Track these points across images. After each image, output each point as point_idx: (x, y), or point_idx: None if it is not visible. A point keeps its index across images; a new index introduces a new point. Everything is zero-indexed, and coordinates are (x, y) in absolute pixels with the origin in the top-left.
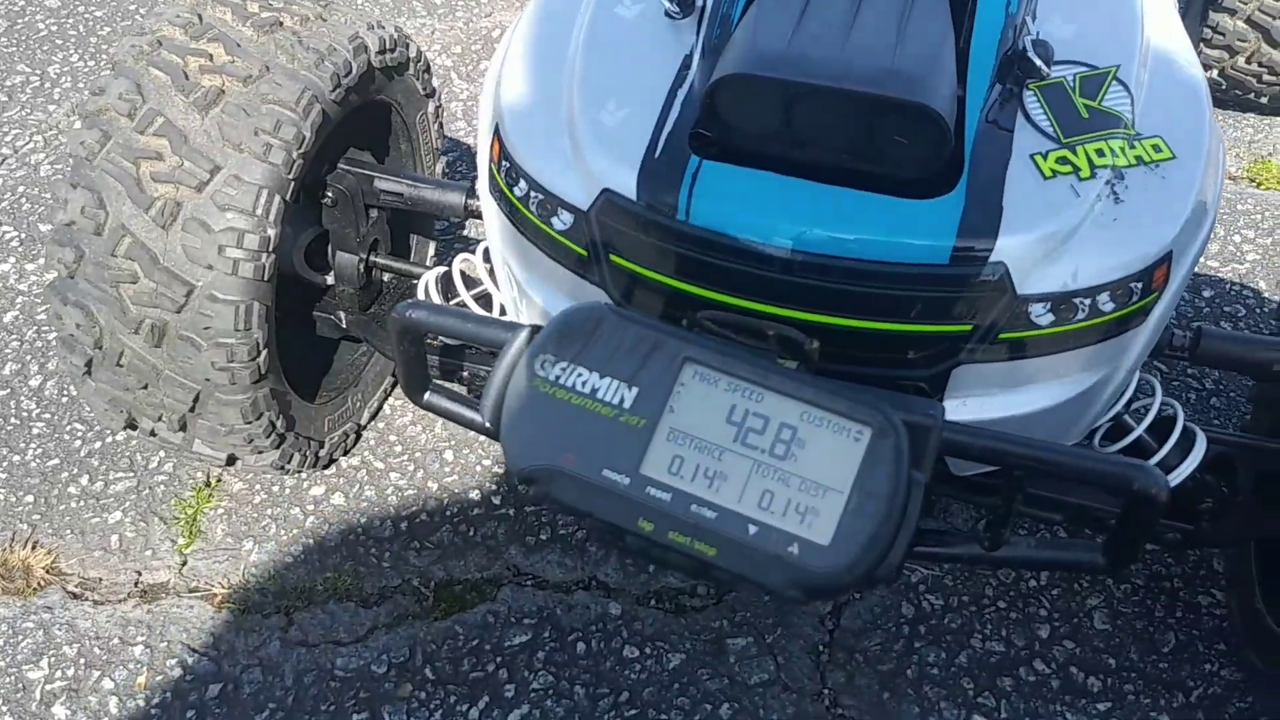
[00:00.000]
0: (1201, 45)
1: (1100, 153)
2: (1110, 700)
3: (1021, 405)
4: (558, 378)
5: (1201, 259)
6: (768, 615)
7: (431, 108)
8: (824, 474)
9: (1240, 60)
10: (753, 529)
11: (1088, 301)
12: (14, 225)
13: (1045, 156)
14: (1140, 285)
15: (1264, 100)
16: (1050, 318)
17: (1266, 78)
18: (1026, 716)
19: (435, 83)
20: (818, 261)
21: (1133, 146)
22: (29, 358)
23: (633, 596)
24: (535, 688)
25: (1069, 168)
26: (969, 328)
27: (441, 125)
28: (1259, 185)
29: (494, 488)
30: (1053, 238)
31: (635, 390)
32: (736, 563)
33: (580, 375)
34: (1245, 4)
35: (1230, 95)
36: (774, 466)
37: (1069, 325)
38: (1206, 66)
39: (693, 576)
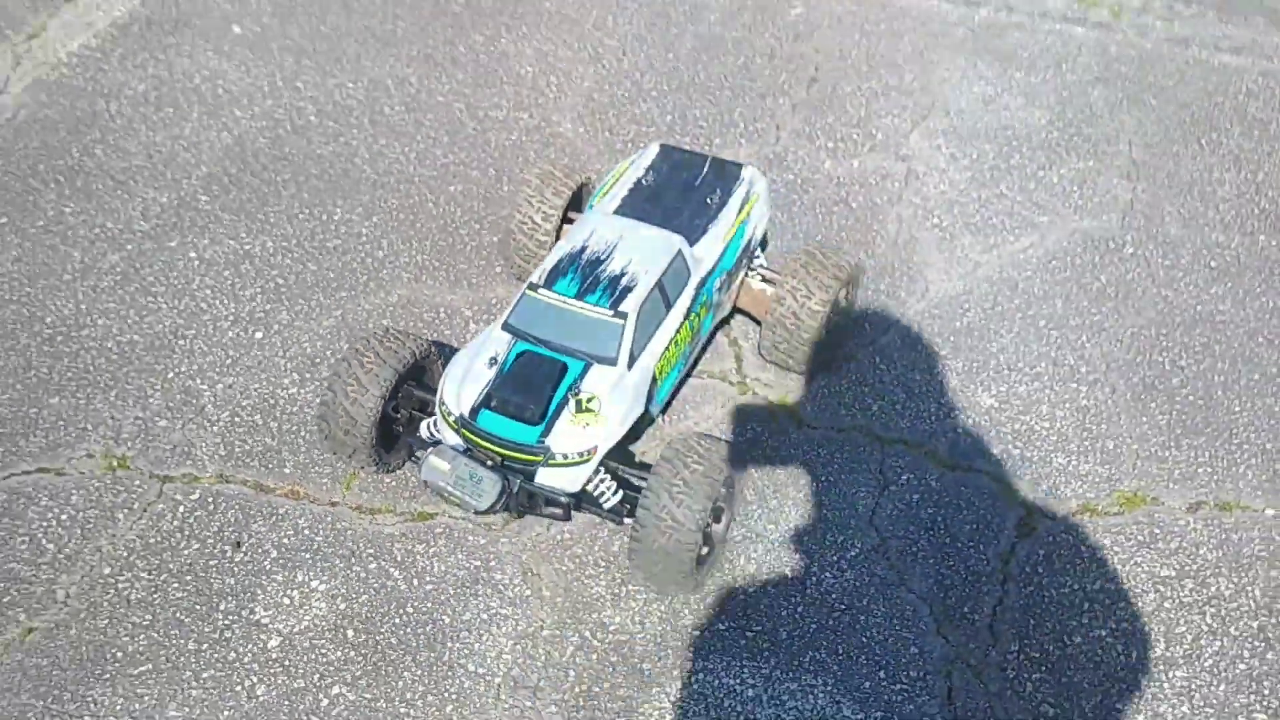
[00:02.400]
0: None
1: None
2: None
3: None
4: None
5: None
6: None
7: (441, 361)
8: (486, 490)
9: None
10: (469, 496)
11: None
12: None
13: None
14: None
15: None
16: (572, 462)
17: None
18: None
19: (461, 326)
20: (493, 437)
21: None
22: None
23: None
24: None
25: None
26: (540, 459)
27: (443, 362)
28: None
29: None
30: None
31: (455, 463)
32: (462, 505)
33: (438, 458)
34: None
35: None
36: (474, 478)
37: (563, 465)
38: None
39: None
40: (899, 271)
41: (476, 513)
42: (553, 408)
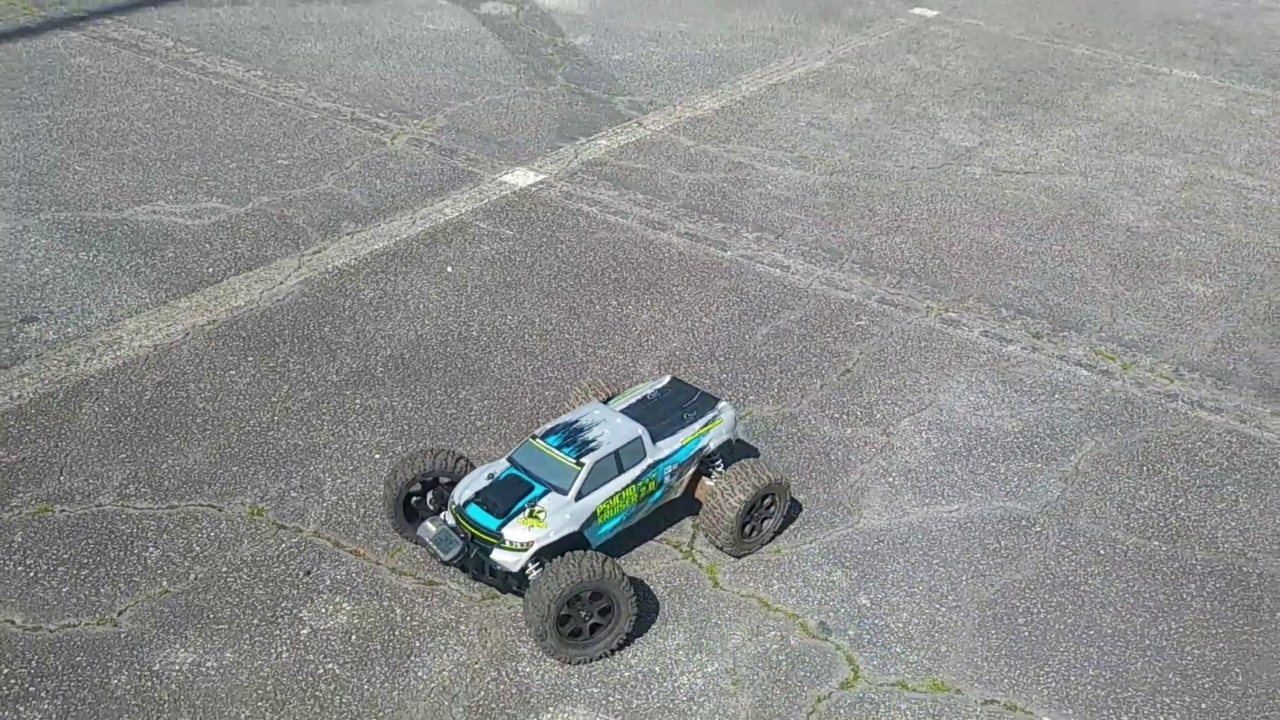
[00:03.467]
0: None
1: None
2: None
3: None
4: (426, 528)
5: None
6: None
7: (464, 463)
8: (452, 549)
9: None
10: (440, 550)
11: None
12: None
13: (528, 517)
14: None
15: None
16: (515, 549)
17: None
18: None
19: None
20: (472, 521)
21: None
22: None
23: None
24: None
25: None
26: (496, 541)
27: (471, 465)
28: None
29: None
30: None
31: (440, 529)
32: (435, 555)
33: (431, 524)
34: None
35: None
36: (448, 539)
37: (509, 549)
38: None
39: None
40: (842, 506)
41: (442, 562)
42: (513, 511)
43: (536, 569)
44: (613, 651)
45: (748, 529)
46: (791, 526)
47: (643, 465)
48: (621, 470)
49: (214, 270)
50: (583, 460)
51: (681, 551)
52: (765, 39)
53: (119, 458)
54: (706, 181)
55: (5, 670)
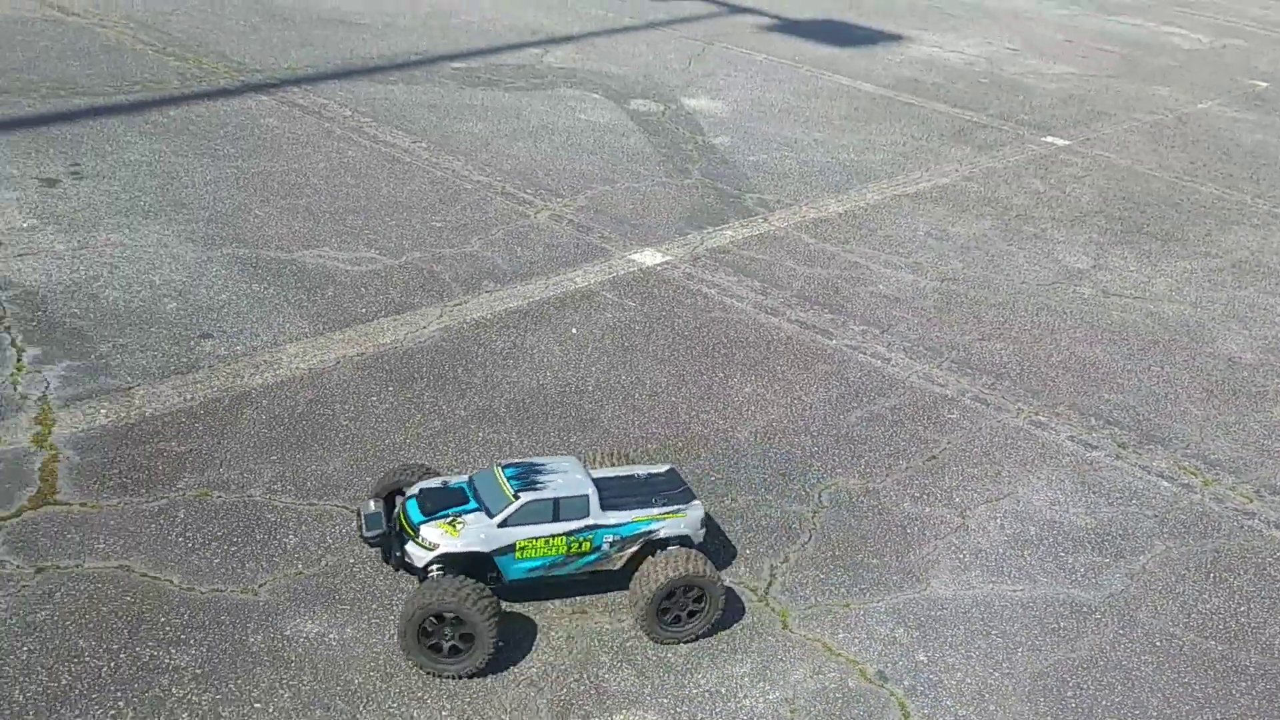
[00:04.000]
0: None
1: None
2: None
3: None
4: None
5: None
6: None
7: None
8: (374, 529)
9: None
10: (364, 529)
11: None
12: None
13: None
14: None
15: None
16: (424, 546)
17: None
18: None
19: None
20: (405, 511)
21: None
22: None
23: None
24: None
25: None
26: (413, 535)
27: (435, 473)
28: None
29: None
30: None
31: (374, 511)
32: (360, 530)
33: (372, 503)
34: None
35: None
36: (375, 521)
37: (420, 545)
38: None
39: None
40: (911, 574)
41: (362, 538)
42: (439, 514)
43: (439, 571)
44: (462, 677)
45: (669, 617)
46: (861, 586)
47: (581, 523)
48: (556, 519)
49: (366, 311)
50: (520, 495)
51: (757, 595)
52: (896, 153)
53: (270, 459)
54: (822, 276)
55: (162, 619)
